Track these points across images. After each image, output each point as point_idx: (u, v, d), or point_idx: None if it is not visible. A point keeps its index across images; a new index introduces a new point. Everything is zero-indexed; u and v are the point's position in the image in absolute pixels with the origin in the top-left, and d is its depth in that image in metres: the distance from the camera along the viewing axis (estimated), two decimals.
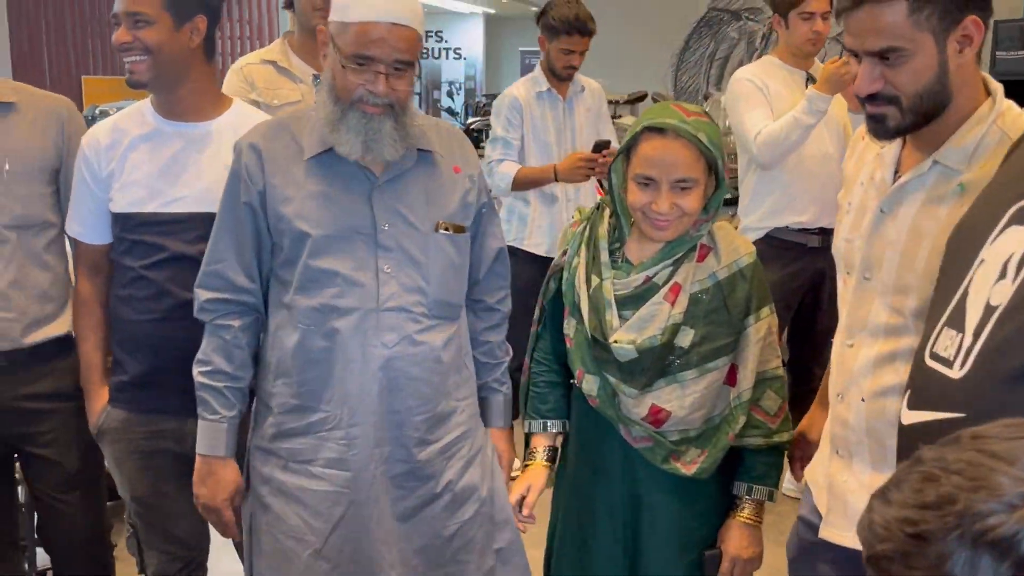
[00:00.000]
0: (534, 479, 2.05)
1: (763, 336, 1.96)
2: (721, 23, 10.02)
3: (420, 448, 1.95)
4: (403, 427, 1.93)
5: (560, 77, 3.98)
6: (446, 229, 1.95)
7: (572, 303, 1.99)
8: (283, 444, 1.96)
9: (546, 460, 2.09)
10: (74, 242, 2.35)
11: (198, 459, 2.00)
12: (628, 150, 1.91)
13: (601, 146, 3.76)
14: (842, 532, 1.68)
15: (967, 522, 0.65)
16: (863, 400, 1.63)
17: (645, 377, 1.90)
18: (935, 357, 1.23)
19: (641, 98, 7.94)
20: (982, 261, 1.20)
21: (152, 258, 2.19)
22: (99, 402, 2.33)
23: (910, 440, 1.23)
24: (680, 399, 1.90)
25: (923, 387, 1.24)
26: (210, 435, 1.97)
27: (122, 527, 2.57)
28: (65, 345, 2.46)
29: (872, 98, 1.52)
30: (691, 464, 1.93)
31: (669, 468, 1.93)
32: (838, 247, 1.75)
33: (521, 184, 3.87)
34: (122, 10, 2.13)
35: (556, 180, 3.80)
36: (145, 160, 2.21)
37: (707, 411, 1.94)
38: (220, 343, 1.95)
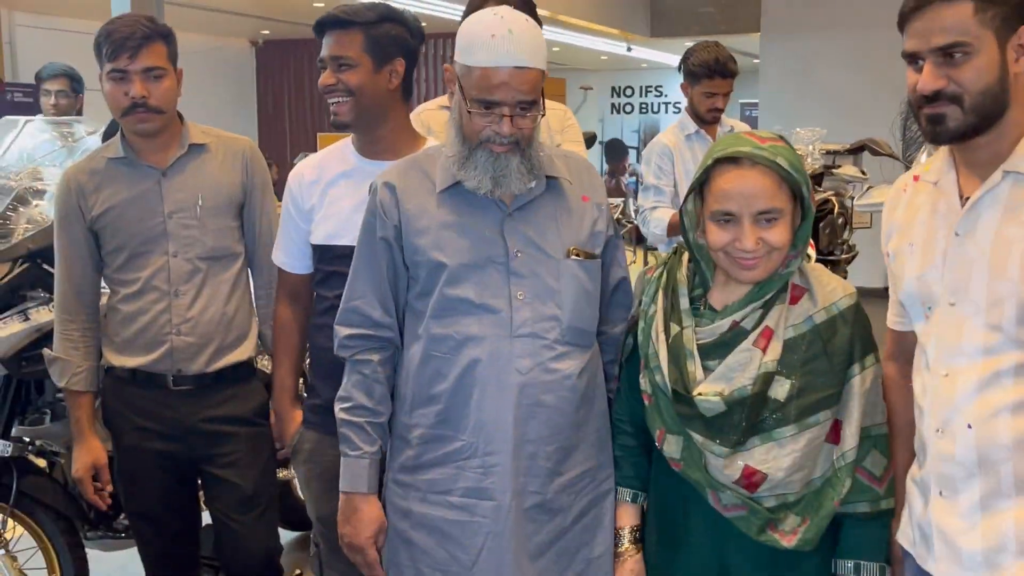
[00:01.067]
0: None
1: (869, 387, 1.77)
2: None
3: (551, 479, 1.92)
4: (536, 458, 1.91)
5: (705, 121, 3.99)
6: (577, 255, 1.93)
7: (649, 355, 1.83)
8: (422, 476, 1.96)
9: (635, 544, 1.94)
10: (279, 271, 2.49)
11: (341, 497, 2.01)
12: (700, 187, 1.77)
13: None
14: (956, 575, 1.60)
15: None
16: (970, 427, 1.56)
17: (736, 434, 1.72)
18: None
19: (861, 148, 7.57)
20: None
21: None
22: (293, 424, 2.46)
23: None
24: (777, 459, 1.71)
25: None
26: (352, 472, 1.98)
27: None
28: (246, 371, 2.61)
29: (933, 99, 1.56)
30: (791, 535, 1.73)
31: (766, 539, 1.73)
32: (908, 290, 1.68)
33: (676, 229, 3.80)
34: (327, 55, 2.26)
35: None
36: (344, 195, 2.31)
37: (807, 473, 1.74)
38: (360, 379, 1.98)
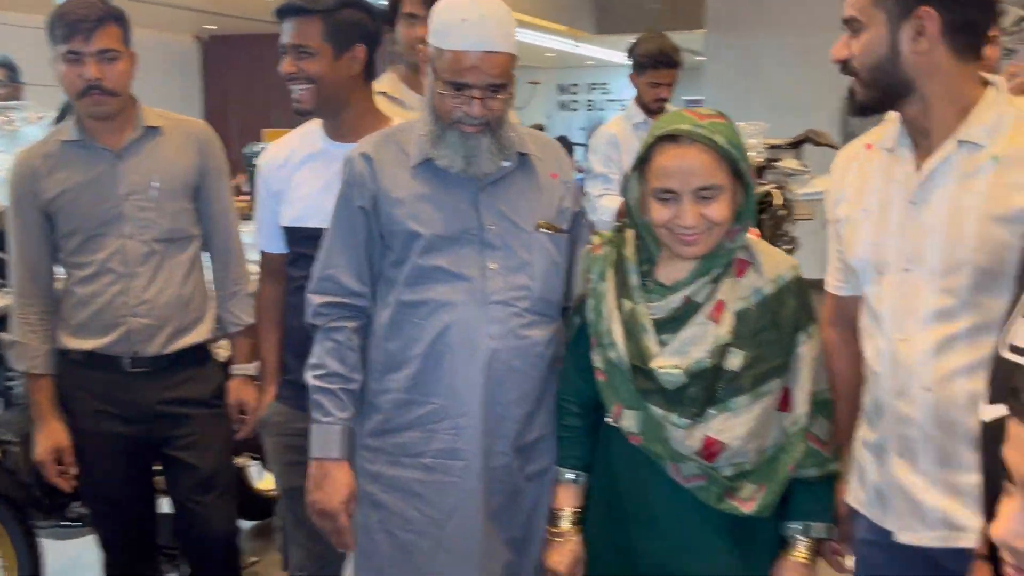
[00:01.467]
0: (569, 558, 1.91)
1: (817, 355, 1.83)
2: None
3: (516, 442, 1.99)
4: (504, 421, 1.97)
5: (651, 111, 4.08)
6: (546, 229, 2.00)
7: (602, 332, 1.84)
8: (392, 440, 2.00)
9: (575, 526, 1.93)
10: (261, 253, 2.55)
11: (312, 464, 2.02)
12: (642, 164, 1.81)
13: None
14: (918, 534, 1.67)
15: None
16: (928, 389, 1.62)
17: (695, 406, 1.76)
18: (1014, 349, 1.21)
19: (803, 141, 7.74)
20: None
21: None
22: (267, 397, 2.52)
23: (993, 435, 1.17)
24: (734, 429, 1.75)
25: (1001, 380, 1.21)
26: (323, 438, 2.00)
27: None
28: (203, 354, 2.63)
29: (844, 70, 1.67)
30: (749, 501, 1.77)
31: (725, 507, 1.77)
32: (862, 255, 1.74)
33: (624, 216, 3.87)
34: (288, 42, 2.29)
35: None
36: (312, 178, 2.36)
37: (762, 442, 1.78)
38: (334, 346, 2.00)
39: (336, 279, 2.02)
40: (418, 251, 1.95)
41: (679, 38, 4.44)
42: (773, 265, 1.83)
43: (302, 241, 2.33)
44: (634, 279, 1.84)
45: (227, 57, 11.00)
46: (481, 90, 1.87)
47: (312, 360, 2.03)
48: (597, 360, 1.84)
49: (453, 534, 1.98)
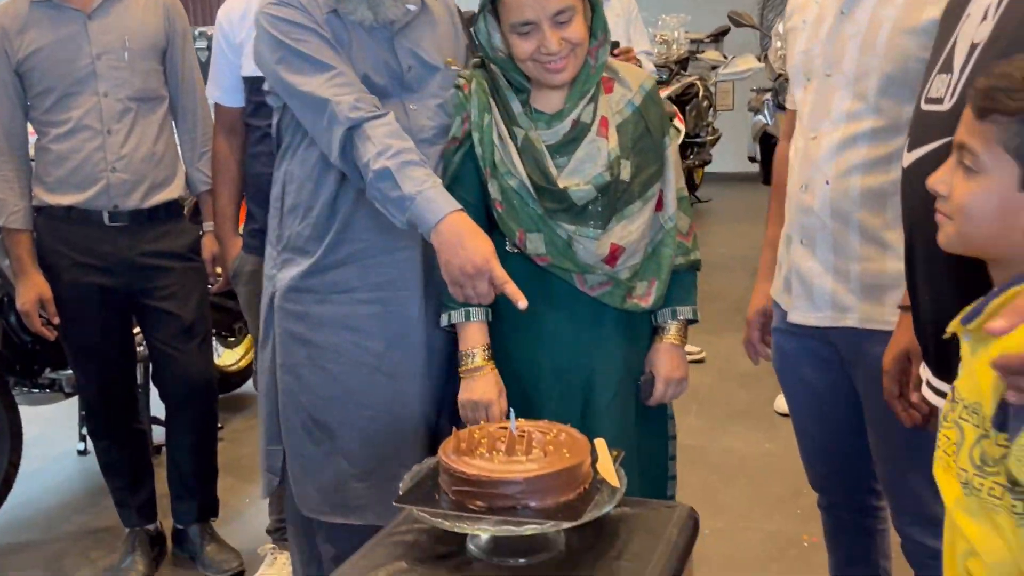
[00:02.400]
0: (491, 393, 1.86)
1: (677, 156, 1.98)
2: None
3: None
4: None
5: None
6: (453, 66, 2.03)
7: (496, 162, 1.85)
8: (323, 278, 1.99)
9: (489, 360, 1.89)
10: (216, 106, 2.64)
11: (440, 231, 1.77)
12: (493, 3, 1.84)
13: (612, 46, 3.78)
14: (806, 314, 1.86)
15: None
16: (828, 183, 1.78)
17: (602, 218, 1.86)
18: (929, 100, 1.39)
19: (724, 32, 7.96)
20: (968, 15, 1.35)
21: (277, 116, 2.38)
22: (234, 249, 2.65)
23: (911, 177, 1.39)
24: (630, 233, 1.87)
25: (919, 128, 1.40)
26: (441, 197, 1.79)
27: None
28: (177, 209, 2.78)
29: None
30: (646, 297, 1.91)
31: (629, 306, 1.89)
32: (795, 63, 1.89)
33: None
34: None
35: None
36: None
37: (646, 242, 1.92)
38: (389, 129, 1.84)
39: (346, 81, 1.88)
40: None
41: None
42: (634, 77, 1.95)
43: (264, 91, 2.33)
44: (517, 107, 1.89)
45: None
46: None
47: (375, 149, 1.81)
48: (493, 191, 1.86)
49: (396, 360, 1.99)
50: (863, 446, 1.91)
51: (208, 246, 2.81)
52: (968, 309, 1.12)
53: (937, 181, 1.18)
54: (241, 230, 2.70)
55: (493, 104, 1.88)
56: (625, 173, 1.88)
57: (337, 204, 1.98)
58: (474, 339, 1.90)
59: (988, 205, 1.13)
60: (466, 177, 1.90)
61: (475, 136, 1.87)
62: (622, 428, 1.93)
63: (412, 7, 1.99)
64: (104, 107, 2.59)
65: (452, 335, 1.96)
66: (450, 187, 1.85)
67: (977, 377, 1.08)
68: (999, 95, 1.08)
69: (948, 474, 1.15)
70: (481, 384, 1.88)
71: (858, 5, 1.76)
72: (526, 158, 1.85)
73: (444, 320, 1.92)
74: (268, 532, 2.89)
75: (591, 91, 1.89)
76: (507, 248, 1.87)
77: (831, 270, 1.81)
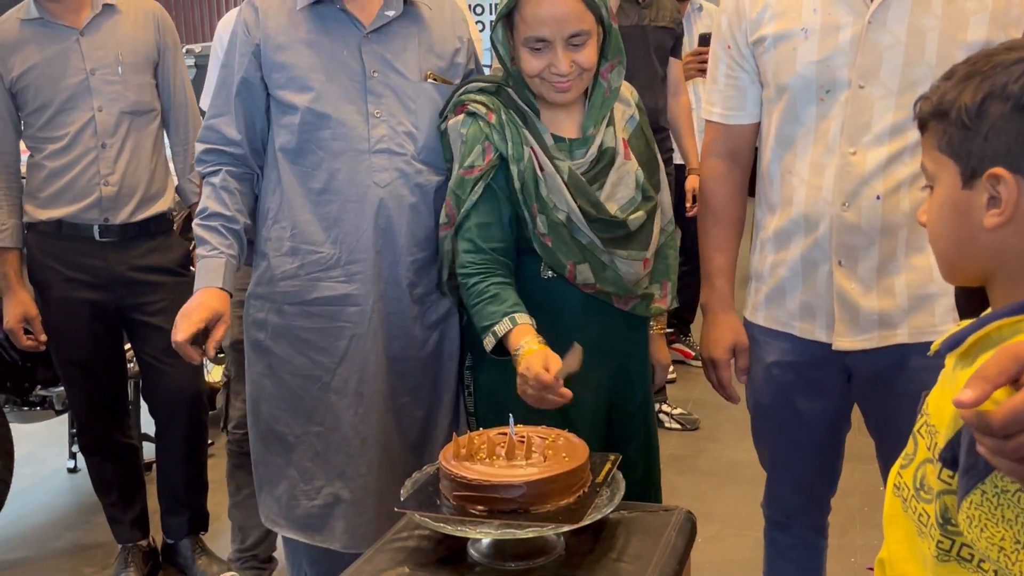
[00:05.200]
0: (546, 358, 1.69)
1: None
2: None
3: (409, 290, 1.99)
4: (397, 266, 1.97)
5: None
6: (434, 80, 2.00)
7: (544, 197, 1.83)
8: (276, 288, 2.00)
9: (541, 342, 1.75)
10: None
11: (194, 295, 1.93)
12: (510, 15, 1.82)
13: (705, 39, 3.85)
14: (852, 338, 1.79)
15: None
16: (879, 198, 1.73)
17: (649, 237, 1.90)
18: None
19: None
20: None
21: None
22: None
23: None
24: (654, 243, 1.92)
25: None
26: (207, 269, 1.93)
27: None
28: (166, 223, 2.79)
29: None
30: (664, 298, 1.98)
31: (655, 310, 1.97)
32: (804, 73, 1.76)
33: None
34: None
35: None
36: None
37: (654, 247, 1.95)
38: (212, 190, 1.98)
39: (217, 128, 2.00)
40: (300, 97, 1.93)
41: None
42: (625, 90, 1.96)
43: None
44: (549, 139, 1.87)
45: None
46: None
47: (199, 207, 2.01)
48: (541, 225, 1.84)
49: (344, 376, 1.98)
50: (836, 467, 1.99)
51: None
52: (954, 331, 1.02)
53: (920, 212, 1.12)
54: None
55: (529, 136, 1.85)
56: (652, 192, 1.91)
57: (289, 211, 1.97)
58: (520, 335, 1.76)
59: (945, 216, 1.04)
60: (486, 205, 1.86)
61: (514, 169, 1.84)
62: (651, 426, 2.03)
63: (390, 13, 1.98)
64: (99, 121, 2.61)
65: (411, 355, 1.99)
66: (468, 215, 1.85)
67: (944, 400, 0.99)
68: (923, 103, 1.05)
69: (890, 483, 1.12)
70: (538, 360, 1.68)
71: (888, 14, 1.69)
72: (574, 191, 1.83)
73: (490, 342, 1.79)
74: (229, 561, 2.83)
75: (607, 114, 1.90)
76: (542, 275, 1.88)
77: (875, 288, 1.77)
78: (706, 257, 1.97)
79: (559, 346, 1.73)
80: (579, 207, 1.82)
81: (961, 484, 0.94)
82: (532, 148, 1.84)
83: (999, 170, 0.97)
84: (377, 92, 1.95)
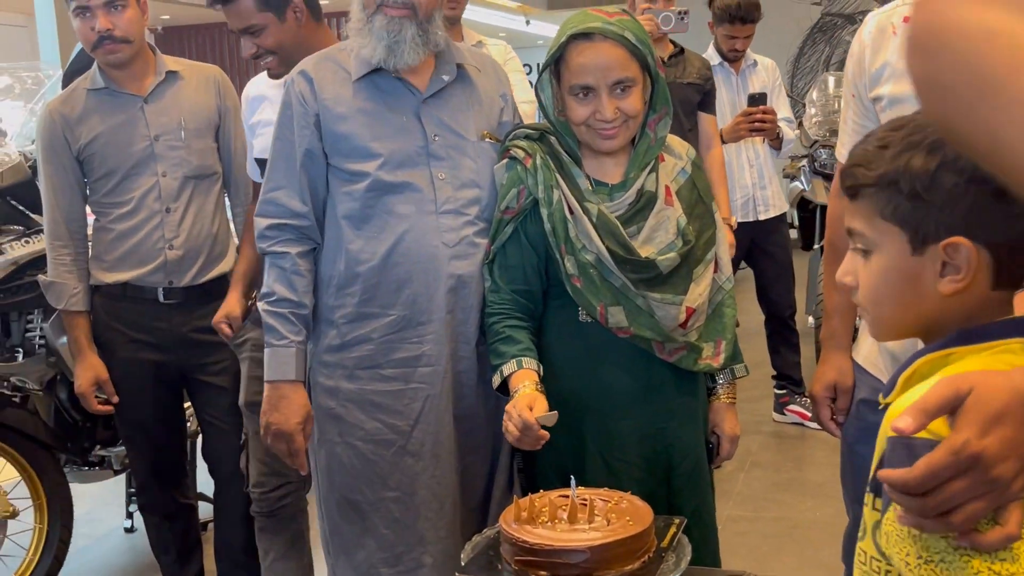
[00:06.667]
0: (534, 400, 1.76)
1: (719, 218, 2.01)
2: (835, 28, 10.03)
3: (477, 347, 2.01)
4: (466, 324, 2.00)
5: (727, 59, 4.36)
6: (489, 139, 2.04)
7: (572, 238, 1.86)
8: (348, 354, 2.01)
9: (539, 388, 1.81)
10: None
11: (266, 388, 2.00)
12: (556, 64, 1.86)
13: (756, 99, 3.95)
14: None
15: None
16: None
17: (684, 282, 1.89)
18: None
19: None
20: None
21: None
22: (234, 308, 2.59)
23: None
24: (701, 296, 1.90)
25: None
26: (278, 360, 1.98)
27: None
28: (227, 284, 2.81)
29: None
30: (716, 356, 1.94)
31: (702, 367, 1.92)
32: None
33: None
34: (235, 28, 2.41)
35: (723, 142, 3.96)
36: (272, 111, 2.38)
37: (708, 303, 1.95)
38: (279, 272, 1.99)
39: (278, 201, 2.01)
40: (367, 165, 1.96)
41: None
42: (681, 146, 1.99)
43: None
44: (584, 183, 1.90)
45: (182, 46, 11.09)
46: None
47: (263, 289, 2.03)
48: (570, 267, 1.86)
49: (419, 438, 1.99)
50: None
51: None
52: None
53: (843, 274, 1.11)
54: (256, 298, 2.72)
55: (561, 179, 1.89)
56: (692, 238, 1.91)
57: (357, 277, 1.98)
58: (525, 375, 1.82)
59: (890, 281, 1.05)
60: (512, 248, 1.92)
61: (544, 212, 1.87)
62: (704, 490, 1.97)
63: (445, 77, 2.02)
64: (163, 186, 2.67)
65: (476, 413, 2.00)
66: (495, 256, 1.93)
67: (881, 439, 1.00)
68: (858, 171, 1.05)
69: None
70: (527, 396, 1.77)
71: None
72: (602, 232, 1.85)
73: (496, 380, 1.87)
74: None
75: (651, 162, 1.92)
76: (580, 319, 1.89)
77: None
78: (827, 294, 2.01)
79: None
80: (607, 248, 1.84)
81: (883, 502, 0.96)
82: (563, 191, 1.87)
83: (959, 239, 0.98)
84: (439, 155, 1.99)
